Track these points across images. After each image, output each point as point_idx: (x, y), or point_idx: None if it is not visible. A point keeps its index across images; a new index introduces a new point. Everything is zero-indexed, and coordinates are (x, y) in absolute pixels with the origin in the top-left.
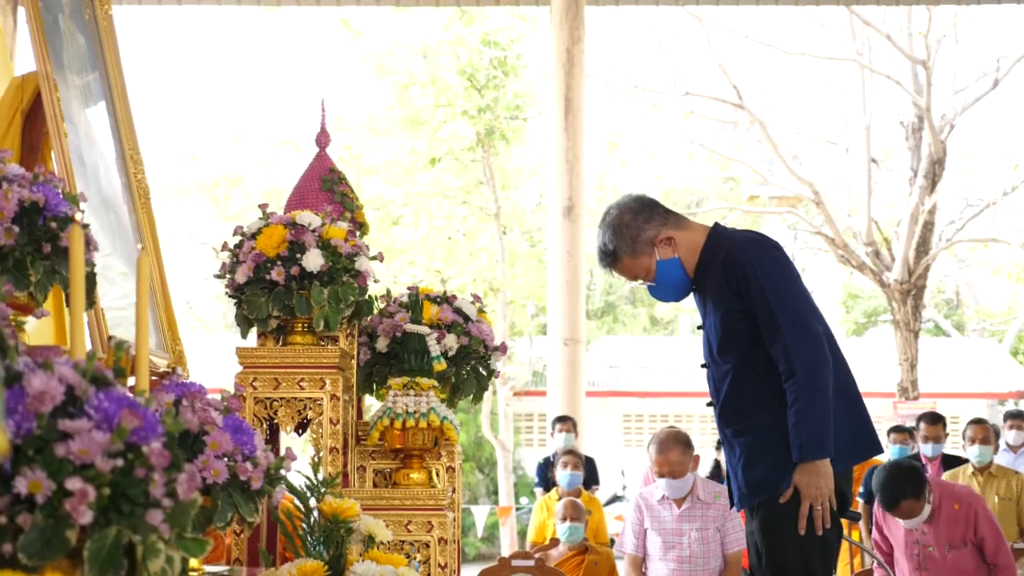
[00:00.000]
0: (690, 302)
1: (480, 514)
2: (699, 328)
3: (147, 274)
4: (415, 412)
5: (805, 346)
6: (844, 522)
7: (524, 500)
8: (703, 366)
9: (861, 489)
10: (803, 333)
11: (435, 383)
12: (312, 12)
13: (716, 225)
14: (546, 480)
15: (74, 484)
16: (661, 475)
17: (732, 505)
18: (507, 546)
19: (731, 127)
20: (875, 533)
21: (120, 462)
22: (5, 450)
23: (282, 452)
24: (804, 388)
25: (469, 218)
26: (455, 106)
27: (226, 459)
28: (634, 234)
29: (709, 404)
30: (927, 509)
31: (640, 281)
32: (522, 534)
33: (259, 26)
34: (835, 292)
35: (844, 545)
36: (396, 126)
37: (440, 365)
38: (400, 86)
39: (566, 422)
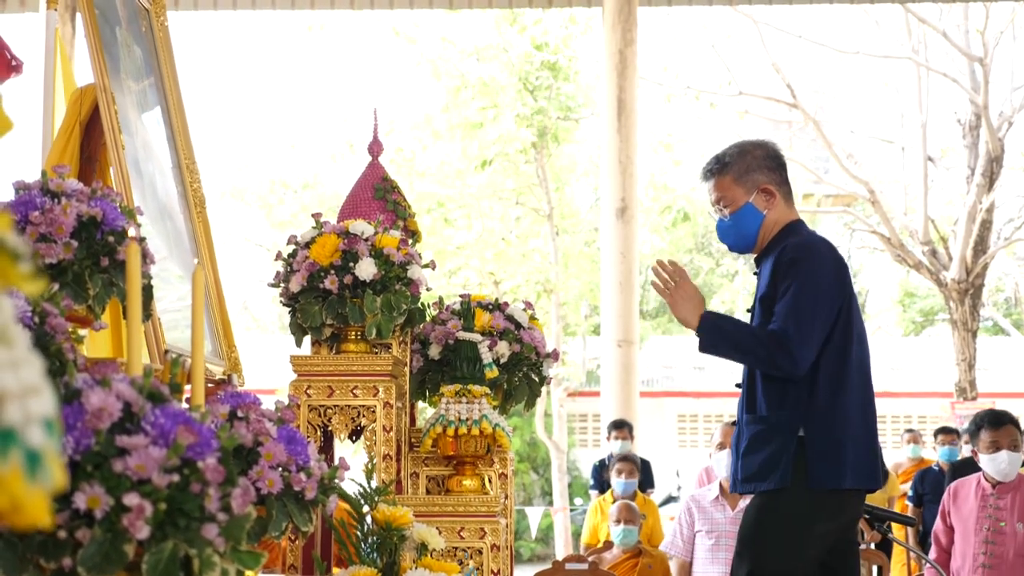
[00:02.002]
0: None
1: (534, 515)
2: (748, 311)
3: (202, 287)
4: (467, 419)
5: (795, 344)
6: (899, 527)
7: (578, 501)
8: None
9: (910, 492)
10: (804, 337)
11: (487, 390)
12: (365, 16)
13: (799, 220)
14: (601, 482)
15: (131, 500)
16: (724, 447)
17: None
18: (561, 547)
19: (785, 126)
20: (937, 523)
21: (176, 477)
22: (62, 486)
23: (336, 459)
24: (763, 348)
25: (523, 219)
26: (509, 108)
27: (280, 469)
28: (752, 166)
29: (738, 385)
30: (1019, 460)
31: (718, 209)
32: (576, 535)
33: (309, 32)
34: (892, 290)
35: (897, 548)
36: (449, 129)
37: (492, 372)
38: (453, 89)
39: (622, 429)
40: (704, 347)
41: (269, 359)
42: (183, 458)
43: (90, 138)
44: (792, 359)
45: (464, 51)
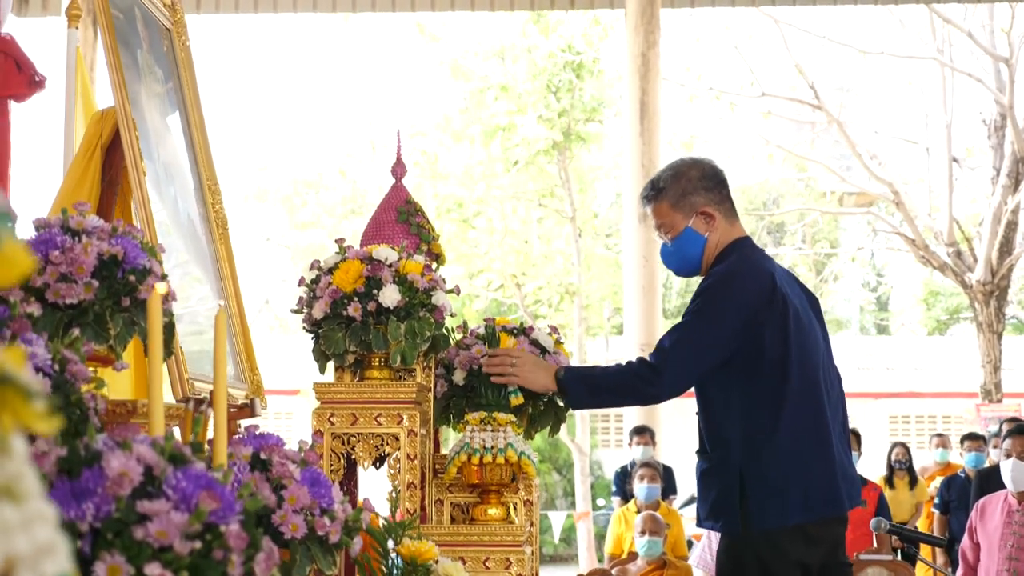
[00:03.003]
0: None
1: (557, 519)
2: None
3: (224, 330)
4: (492, 447)
5: (667, 366)
6: (927, 548)
7: (601, 501)
8: None
9: (936, 499)
10: (679, 361)
11: (512, 418)
12: (387, 17)
13: (741, 239)
14: (624, 490)
15: (153, 570)
16: None
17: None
18: (584, 550)
19: (808, 127)
20: (965, 540)
21: (198, 544)
22: None
23: (359, 486)
24: (627, 379)
25: (545, 220)
26: (532, 111)
27: (304, 513)
28: (688, 189)
29: (697, 413)
30: None
31: (659, 235)
32: (599, 536)
33: (333, 32)
34: (916, 289)
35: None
36: (472, 130)
37: (517, 399)
38: (477, 91)
39: (643, 434)
40: (575, 403)
41: (291, 358)
42: (205, 523)
43: (111, 162)
44: (659, 382)
45: (490, 50)
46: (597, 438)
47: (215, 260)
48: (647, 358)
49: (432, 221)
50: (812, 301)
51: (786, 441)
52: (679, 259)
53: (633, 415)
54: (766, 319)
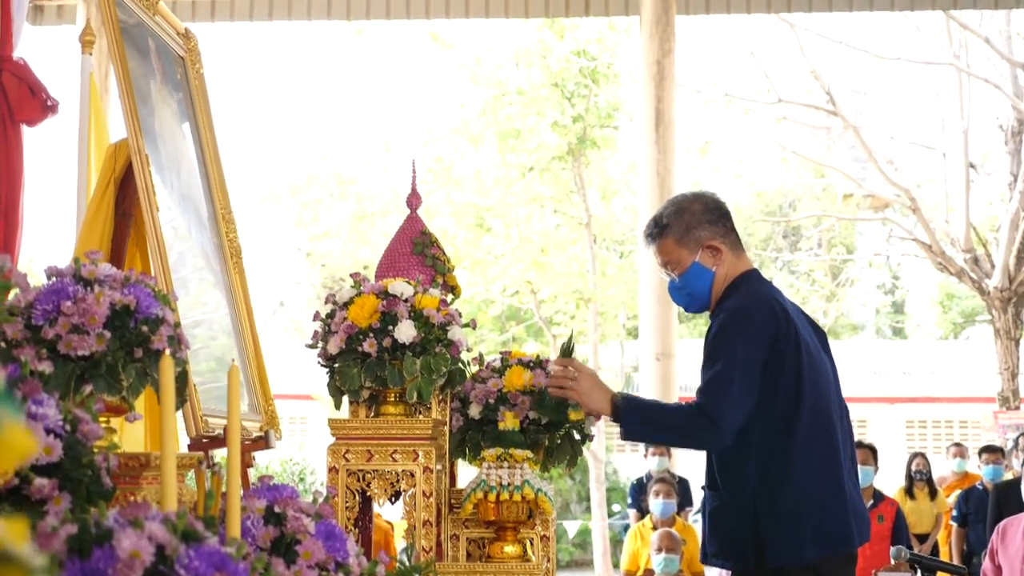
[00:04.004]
0: None
1: (572, 527)
2: None
3: (238, 386)
4: (509, 485)
5: (716, 411)
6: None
7: (616, 507)
8: None
9: (954, 512)
10: (725, 403)
11: (529, 454)
12: (401, 25)
13: (749, 271)
14: (639, 504)
15: None
16: None
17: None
18: (599, 556)
19: (824, 132)
20: (985, 563)
21: None
22: None
23: (375, 516)
24: (685, 420)
25: (562, 226)
26: (545, 116)
27: (319, 568)
28: (692, 224)
29: None
30: None
31: (665, 272)
32: (614, 541)
33: (353, 37)
34: (932, 292)
35: None
36: (487, 135)
37: (576, 414)
38: (492, 97)
39: (659, 444)
40: (628, 433)
41: (305, 362)
42: None
43: (125, 194)
44: (717, 431)
45: (505, 55)
46: (612, 442)
47: (229, 289)
48: (698, 401)
49: (447, 227)
50: (819, 334)
51: (799, 477)
52: (687, 295)
53: None
54: (783, 349)
